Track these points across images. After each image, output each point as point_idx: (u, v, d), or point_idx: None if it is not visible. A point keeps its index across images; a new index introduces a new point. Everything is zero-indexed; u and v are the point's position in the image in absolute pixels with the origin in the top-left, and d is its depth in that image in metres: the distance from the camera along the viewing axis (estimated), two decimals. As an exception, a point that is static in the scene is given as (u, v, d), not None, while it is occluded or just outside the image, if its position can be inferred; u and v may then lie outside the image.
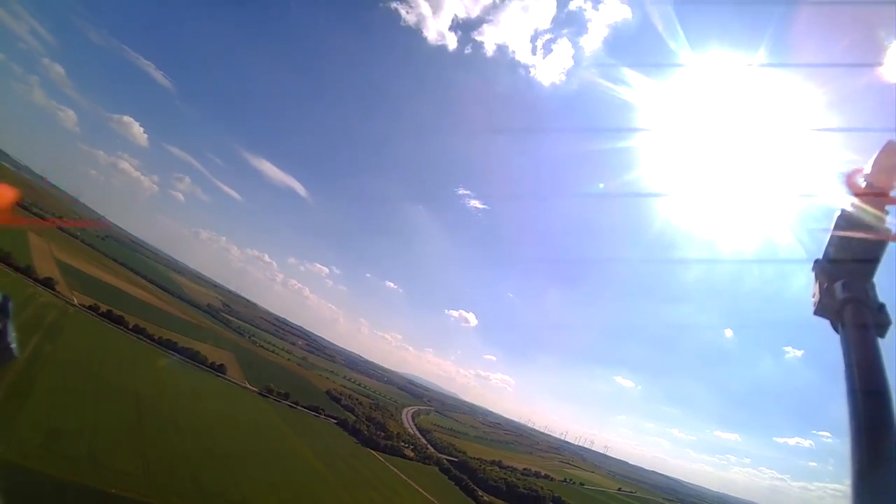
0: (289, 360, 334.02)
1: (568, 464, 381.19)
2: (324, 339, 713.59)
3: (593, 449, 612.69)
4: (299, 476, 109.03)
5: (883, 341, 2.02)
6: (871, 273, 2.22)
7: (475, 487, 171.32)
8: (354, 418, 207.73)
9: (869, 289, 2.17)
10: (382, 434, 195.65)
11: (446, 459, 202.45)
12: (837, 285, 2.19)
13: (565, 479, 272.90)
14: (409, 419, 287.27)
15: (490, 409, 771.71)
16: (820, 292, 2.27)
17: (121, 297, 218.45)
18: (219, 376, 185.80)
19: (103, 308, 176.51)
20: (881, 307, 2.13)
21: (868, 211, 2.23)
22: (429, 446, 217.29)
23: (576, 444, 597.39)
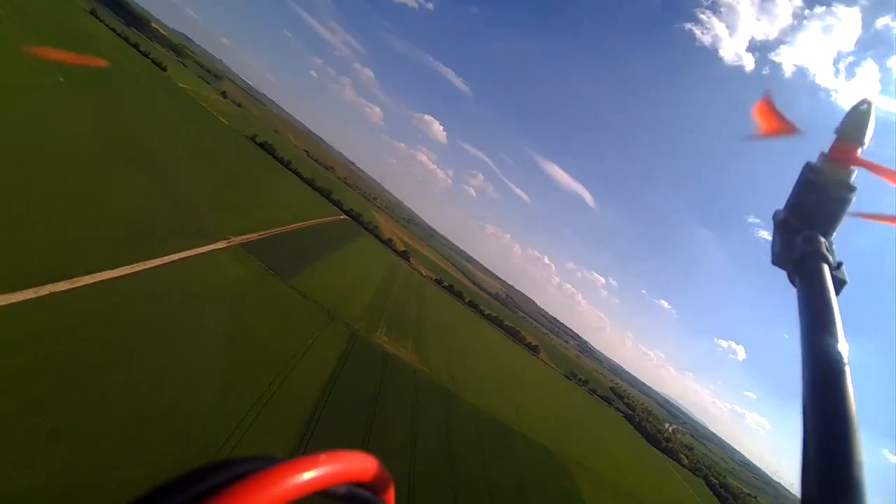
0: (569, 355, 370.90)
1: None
2: (588, 344, 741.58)
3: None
4: (613, 448, 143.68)
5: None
6: (831, 230, 2.31)
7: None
8: (637, 417, 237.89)
9: (829, 245, 2.26)
10: (662, 436, 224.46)
11: (713, 475, 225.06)
12: (798, 238, 2.24)
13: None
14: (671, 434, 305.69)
15: (736, 448, 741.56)
16: (780, 243, 2.35)
17: (444, 275, 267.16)
18: (533, 354, 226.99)
19: (445, 283, 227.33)
20: (839, 265, 2.18)
21: (835, 167, 2.16)
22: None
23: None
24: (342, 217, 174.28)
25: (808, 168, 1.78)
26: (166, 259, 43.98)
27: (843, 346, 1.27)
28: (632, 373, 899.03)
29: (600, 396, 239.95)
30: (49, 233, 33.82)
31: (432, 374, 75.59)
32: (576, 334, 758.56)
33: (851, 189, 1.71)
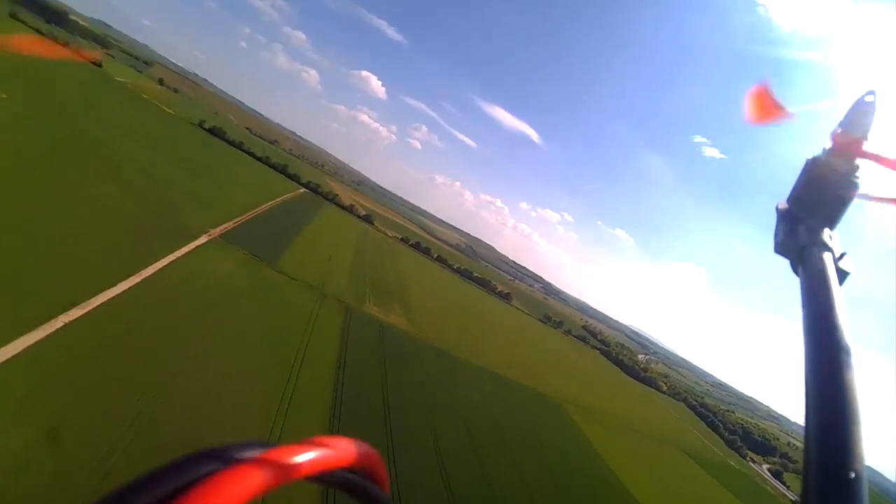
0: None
1: (788, 434, 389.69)
2: (552, 285, 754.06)
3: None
4: (597, 384, 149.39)
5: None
6: (835, 221, 2.38)
7: (719, 423, 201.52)
8: (613, 352, 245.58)
9: (832, 236, 2.33)
10: (639, 367, 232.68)
11: (691, 397, 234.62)
12: (801, 228, 2.30)
13: (789, 442, 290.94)
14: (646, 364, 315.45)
15: (708, 372, 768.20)
16: (783, 232, 2.41)
17: (406, 232, 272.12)
18: (506, 302, 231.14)
19: (411, 241, 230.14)
20: (842, 255, 2.23)
21: (839, 160, 2.24)
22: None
23: (793, 420, 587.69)
24: (302, 190, 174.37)
25: (812, 161, 1.77)
26: (160, 265, 44.05)
27: (847, 337, 1.24)
28: (598, 308, 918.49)
29: (575, 336, 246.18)
30: (40, 264, 33.05)
31: (426, 338, 77.47)
32: (539, 276, 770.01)
33: (856, 181, 1.71)
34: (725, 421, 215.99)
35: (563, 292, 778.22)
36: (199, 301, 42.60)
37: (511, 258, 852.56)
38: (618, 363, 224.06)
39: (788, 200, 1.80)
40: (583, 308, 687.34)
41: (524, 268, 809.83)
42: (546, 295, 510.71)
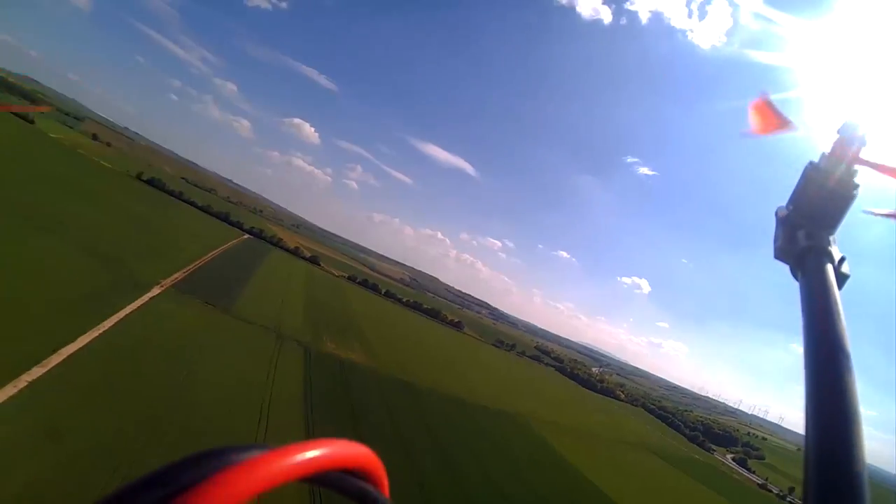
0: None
1: (746, 425, 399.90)
2: (499, 310, 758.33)
3: (767, 419, 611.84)
4: (558, 399, 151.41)
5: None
6: (834, 226, 2.29)
7: (679, 423, 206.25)
8: (568, 367, 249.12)
9: (831, 240, 2.26)
10: (594, 379, 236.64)
11: (649, 402, 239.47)
12: (801, 233, 2.23)
13: (748, 432, 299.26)
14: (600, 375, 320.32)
15: (662, 377, 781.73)
16: (782, 237, 2.36)
17: (352, 270, 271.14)
18: (458, 331, 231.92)
19: (359, 279, 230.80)
20: (842, 260, 2.19)
21: (838, 166, 2.20)
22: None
23: (749, 412, 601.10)
24: (246, 237, 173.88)
25: (811, 166, 1.69)
26: (116, 318, 43.75)
27: (846, 341, 1.20)
28: (547, 329, 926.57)
29: (529, 356, 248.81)
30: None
31: (388, 371, 77.74)
32: (485, 303, 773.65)
33: (854, 187, 1.64)
34: (685, 420, 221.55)
35: (510, 316, 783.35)
36: (163, 350, 42.73)
37: (456, 287, 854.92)
38: (574, 377, 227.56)
39: (787, 206, 1.73)
40: (532, 330, 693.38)
41: (470, 295, 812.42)
42: (495, 320, 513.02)
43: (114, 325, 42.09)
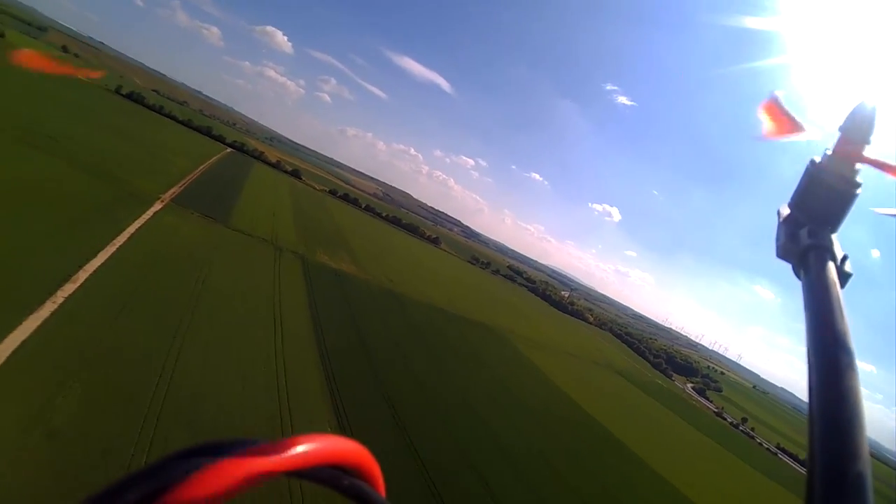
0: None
1: (706, 359, 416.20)
2: (471, 229, 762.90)
3: (727, 356, 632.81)
4: (532, 316, 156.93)
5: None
6: (836, 224, 2.20)
7: (644, 349, 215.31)
8: (540, 288, 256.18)
9: (833, 239, 2.15)
10: (565, 301, 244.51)
11: (615, 327, 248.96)
12: (803, 231, 2.17)
13: (708, 366, 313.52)
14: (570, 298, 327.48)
15: (628, 306, 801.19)
16: (785, 236, 2.29)
17: (333, 185, 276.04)
18: (436, 247, 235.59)
19: (339, 193, 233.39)
20: (844, 258, 2.06)
21: (840, 164, 2.10)
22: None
23: (710, 347, 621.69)
24: (228, 150, 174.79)
25: (813, 165, 1.57)
26: (127, 233, 45.22)
27: (849, 339, 1.11)
28: (516, 250, 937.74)
29: (503, 276, 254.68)
30: (15, 250, 31.99)
31: (376, 282, 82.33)
32: (458, 221, 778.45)
33: (857, 185, 1.52)
34: (650, 347, 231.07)
35: (482, 235, 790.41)
36: (179, 263, 45.28)
37: (429, 204, 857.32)
38: (545, 298, 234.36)
39: (790, 204, 1.61)
40: (503, 250, 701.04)
41: (443, 212, 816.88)
42: (467, 238, 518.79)
43: (126, 241, 43.42)
